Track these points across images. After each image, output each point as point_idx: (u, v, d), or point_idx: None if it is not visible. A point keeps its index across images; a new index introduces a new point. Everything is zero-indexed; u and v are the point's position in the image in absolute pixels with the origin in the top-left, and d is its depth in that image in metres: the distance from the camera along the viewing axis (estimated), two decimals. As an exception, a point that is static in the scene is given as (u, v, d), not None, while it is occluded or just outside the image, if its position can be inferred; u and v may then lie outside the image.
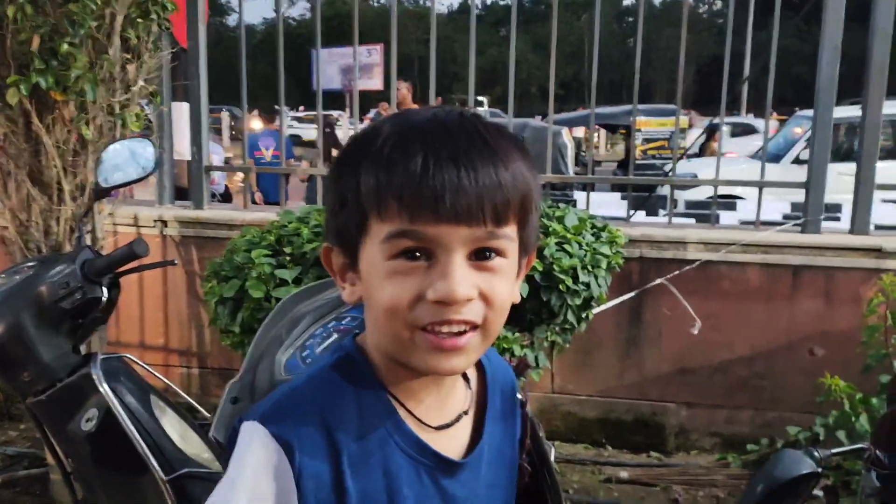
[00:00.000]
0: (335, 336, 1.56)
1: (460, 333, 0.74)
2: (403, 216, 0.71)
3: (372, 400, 0.79)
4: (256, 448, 0.75)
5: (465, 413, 0.85)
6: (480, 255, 0.74)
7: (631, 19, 47.62)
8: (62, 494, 2.81)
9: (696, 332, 3.15)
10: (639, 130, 11.67)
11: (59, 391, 1.74)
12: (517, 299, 0.81)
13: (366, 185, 0.73)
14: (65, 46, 2.29)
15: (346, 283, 0.81)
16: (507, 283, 0.77)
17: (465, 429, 0.85)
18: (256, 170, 5.18)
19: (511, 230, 0.75)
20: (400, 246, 0.73)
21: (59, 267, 1.72)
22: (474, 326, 0.75)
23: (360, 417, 0.78)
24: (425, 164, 0.71)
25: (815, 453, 1.32)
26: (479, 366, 0.90)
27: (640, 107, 13.48)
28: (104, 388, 1.70)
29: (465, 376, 0.88)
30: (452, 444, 0.84)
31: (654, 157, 12.41)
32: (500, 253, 0.75)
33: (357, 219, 0.75)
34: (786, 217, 4.81)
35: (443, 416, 0.83)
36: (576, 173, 11.15)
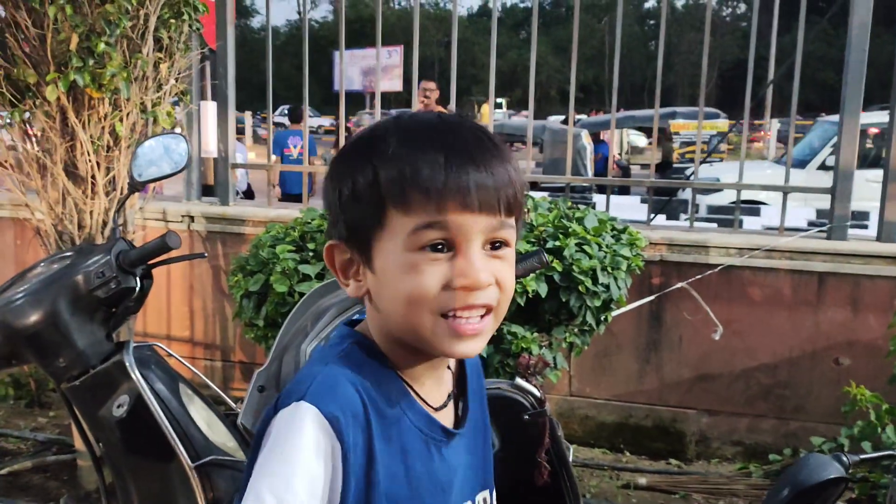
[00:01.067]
0: (354, 318, 1.59)
1: (480, 318, 0.81)
2: (431, 208, 0.77)
3: (390, 380, 0.85)
4: (310, 429, 0.78)
5: (452, 392, 0.93)
6: (494, 245, 0.82)
7: (653, 22, 47.39)
8: (89, 480, 2.87)
9: (717, 337, 3.14)
10: (677, 133, 11.50)
11: (92, 377, 1.78)
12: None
13: (387, 180, 0.78)
14: (101, 46, 2.35)
15: (350, 279, 0.85)
16: (513, 269, 0.85)
17: (451, 407, 0.93)
18: (280, 168, 5.25)
19: (513, 220, 0.83)
20: (426, 237, 0.78)
21: (95, 257, 1.76)
22: (489, 310, 0.82)
23: (382, 395, 0.83)
24: (448, 161, 0.77)
25: (844, 458, 1.30)
26: None
27: (680, 109, 13.33)
28: (136, 375, 1.74)
29: None
30: (447, 421, 0.91)
31: (692, 160, 12.32)
32: (506, 242, 0.83)
33: (376, 214, 0.79)
34: (811, 223, 4.79)
35: (439, 396, 0.91)
36: (614, 176, 11.11)
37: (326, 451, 0.78)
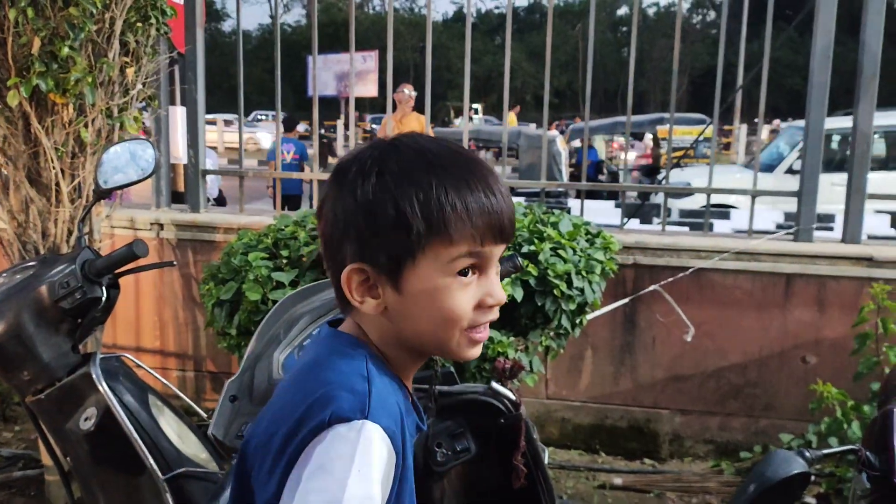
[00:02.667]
0: (320, 328, 1.57)
1: (486, 328, 0.92)
2: (475, 240, 0.86)
3: (396, 384, 0.91)
4: (380, 445, 0.80)
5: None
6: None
7: (625, 29, 47.86)
8: (57, 496, 2.81)
9: (689, 339, 3.17)
10: (664, 139, 11.61)
11: (58, 390, 1.74)
12: None
13: (436, 213, 0.83)
14: (65, 50, 2.30)
15: (367, 297, 0.88)
16: None
17: None
18: (251, 175, 5.20)
19: None
20: (463, 264, 0.87)
21: (59, 267, 1.73)
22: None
23: (400, 405, 0.89)
24: (486, 196, 0.86)
25: (807, 454, 1.33)
26: None
27: (667, 115, 13.43)
28: (103, 387, 1.71)
29: None
30: None
31: (677, 164, 12.36)
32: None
33: (418, 242, 0.84)
34: (779, 226, 4.86)
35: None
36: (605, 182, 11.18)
37: (391, 464, 0.82)
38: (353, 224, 0.86)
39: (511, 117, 15.07)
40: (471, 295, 0.88)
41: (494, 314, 0.91)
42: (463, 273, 0.87)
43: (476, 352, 0.91)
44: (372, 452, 0.79)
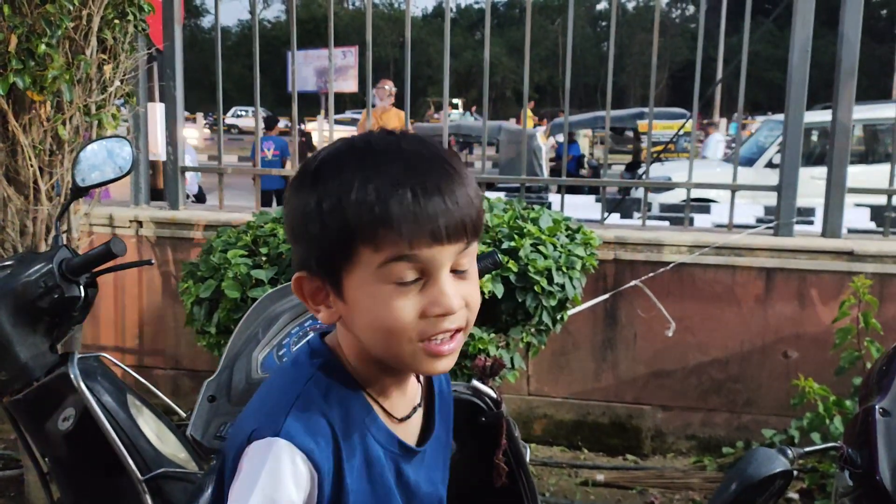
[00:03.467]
0: (312, 335, 1.56)
1: (451, 337, 0.85)
2: (402, 243, 0.79)
3: (353, 399, 0.88)
4: (287, 463, 0.81)
5: (419, 406, 0.96)
6: (458, 269, 0.84)
7: (604, 24, 48.02)
8: (38, 496, 2.78)
9: (670, 334, 3.19)
10: (644, 133, 11.63)
11: (36, 390, 1.72)
12: None
13: (355, 217, 0.79)
14: (42, 47, 2.27)
15: (321, 305, 0.87)
16: (477, 285, 0.88)
17: (417, 420, 0.96)
18: (230, 171, 5.15)
19: (476, 243, 0.86)
20: (396, 271, 0.81)
21: (36, 266, 1.71)
22: (460, 329, 0.86)
23: (347, 416, 0.86)
24: (416, 196, 0.79)
25: (789, 452, 1.33)
26: None
27: (646, 110, 13.37)
28: (81, 387, 1.69)
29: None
30: (409, 433, 0.94)
31: (659, 160, 12.36)
32: (469, 263, 0.86)
33: (345, 249, 0.81)
34: (759, 220, 4.89)
35: (403, 408, 0.94)
36: (583, 177, 11.18)
37: (304, 478, 0.81)
38: (294, 230, 0.86)
39: (537, 128, 14.90)
40: (412, 303, 0.81)
41: (452, 322, 0.83)
42: (403, 280, 0.81)
43: (441, 365, 0.85)
44: (279, 469, 0.80)
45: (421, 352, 0.83)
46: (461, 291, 0.84)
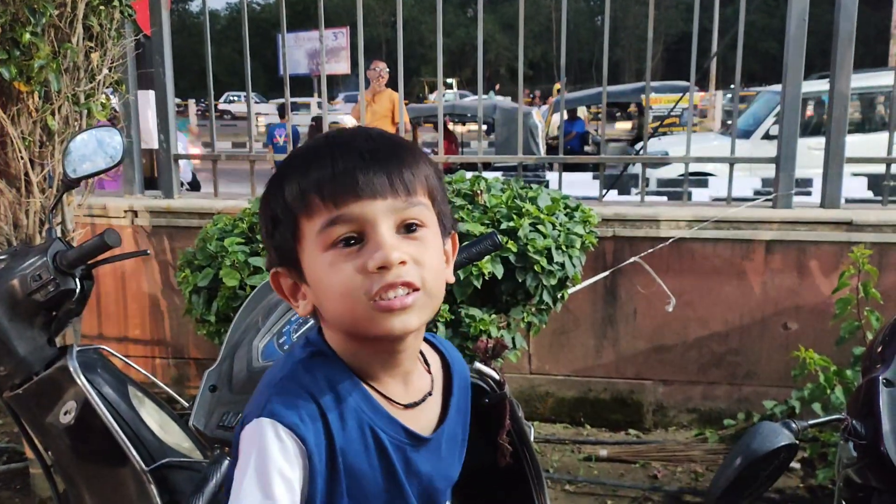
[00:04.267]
0: (311, 322, 1.55)
1: (405, 295, 0.84)
2: (329, 205, 0.83)
3: (347, 385, 0.89)
4: (272, 441, 0.83)
5: (430, 394, 0.96)
6: (407, 229, 0.86)
7: (599, -2, 47.59)
8: (43, 489, 2.78)
9: (670, 309, 3.19)
10: (650, 107, 11.51)
11: (35, 384, 1.72)
12: (451, 279, 0.93)
13: (290, 195, 0.85)
14: (27, 36, 2.24)
15: (299, 300, 0.91)
16: (434, 253, 0.88)
17: (430, 409, 0.96)
18: (224, 158, 5.12)
19: (424, 199, 0.87)
20: (333, 234, 0.84)
21: (30, 259, 1.69)
22: (416, 289, 0.85)
23: (338, 398, 0.87)
24: (335, 160, 0.84)
25: (793, 425, 1.33)
26: (443, 358, 1.02)
27: (652, 84, 13.18)
28: (81, 380, 1.68)
29: (425, 362, 0.99)
30: (419, 422, 0.94)
31: (664, 133, 12.23)
32: (421, 224, 0.87)
33: (290, 228, 0.86)
34: (757, 193, 4.88)
35: (408, 396, 0.93)
36: (589, 154, 11.09)
37: (291, 451, 0.83)
38: (263, 232, 0.92)
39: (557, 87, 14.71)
40: (352, 264, 0.84)
41: (397, 277, 0.83)
42: (347, 244, 0.84)
43: (396, 323, 0.85)
44: (265, 445, 0.82)
45: (373, 311, 0.83)
46: (407, 249, 0.84)
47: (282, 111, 9.91)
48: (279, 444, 0.82)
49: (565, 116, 12.98)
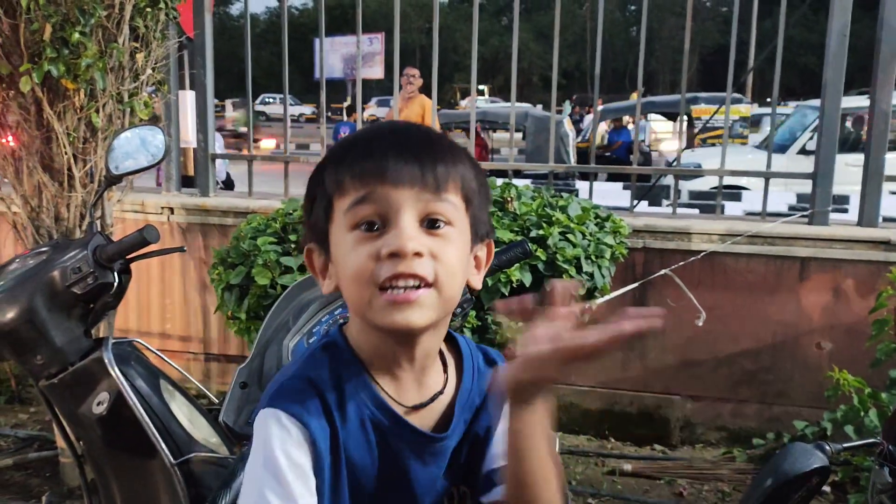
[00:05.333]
0: (341, 322, 1.57)
1: (415, 288, 0.83)
2: (358, 186, 0.84)
3: (353, 378, 0.89)
4: (277, 428, 0.84)
5: (441, 393, 0.94)
6: (430, 224, 0.85)
7: (634, 8, 47.37)
8: (72, 477, 2.84)
9: (700, 323, 3.15)
10: (698, 119, 11.30)
11: (70, 375, 1.75)
12: (478, 286, 0.93)
13: (329, 176, 0.88)
14: (76, 35, 2.30)
15: (326, 278, 0.91)
16: (457, 250, 0.86)
17: (439, 409, 0.94)
18: (259, 158, 5.19)
19: (455, 199, 0.86)
20: (359, 214, 0.84)
21: (71, 252, 1.73)
22: (428, 284, 0.83)
23: (343, 395, 0.88)
24: (371, 146, 0.86)
25: (827, 447, 1.30)
26: (459, 355, 0.99)
27: (702, 95, 12.96)
28: (115, 372, 1.72)
29: (443, 361, 0.96)
30: (426, 421, 0.93)
31: (712, 145, 12.00)
32: (448, 222, 0.85)
33: (324, 206, 0.88)
34: (792, 208, 4.81)
35: (419, 395, 0.92)
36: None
37: (295, 436, 0.84)
38: (303, 210, 0.94)
39: (634, 96, 14.56)
40: (372, 247, 0.83)
41: (408, 267, 0.82)
42: (370, 228, 0.84)
43: (399, 317, 0.83)
44: (269, 432, 0.84)
45: (381, 300, 0.83)
46: (426, 242, 0.83)
47: (348, 110, 10.31)
48: (281, 429, 0.84)
49: (608, 127, 12.85)
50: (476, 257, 0.92)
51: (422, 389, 0.92)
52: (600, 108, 13.71)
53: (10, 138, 2.51)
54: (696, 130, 11.53)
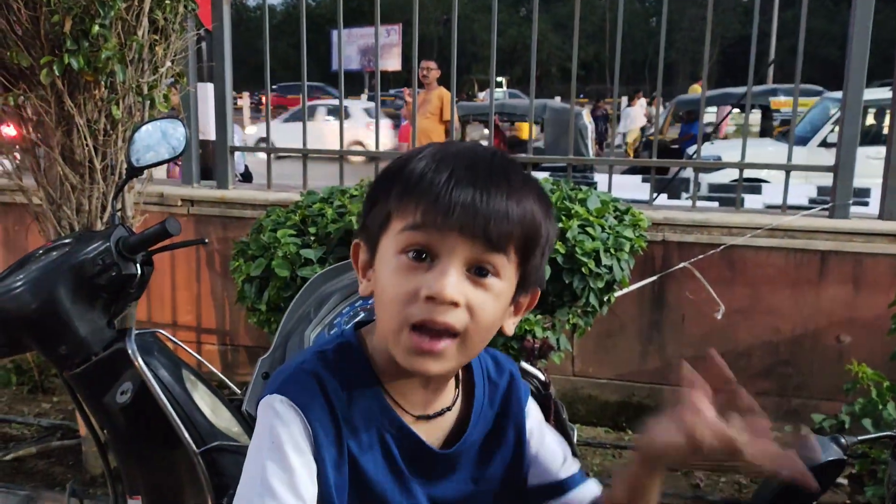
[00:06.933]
0: (362, 315, 1.58)
1: (439, 337, 0.81)
2: (418, 216, 0.81)
3: (362, 384, 0.89)
4: (281, 414, 0.85)
5: (449, 409, 0.93)
6: (478, 272, 0.82)
7: (654, -1, 46.89)
8: (94, 465, 2.88)
9: (719, 317, 3.13)
10: (777, 111, 11.02)
11: (94, 365, 1.78)
12: (510, 332, 0.90)
13: (396, 189, 0.84)
14: (96, 28, 2.32)
15: (365, 278, 0.91)
16: (497, 305, 0.84)
17: (447, 424, 0.94)
18: (278, 151, 5.21)
19: (511, 254, 0.83)
20: (410, 240, 0.82)
21: (94, 244, 1.75)
22: (454, 334, 0.82)
23: (351, 398, 0.88)
24: (447, 181, 0.81)
25: (842, 440, 1.31)
26: (469, 366, 0.97)
27: (781, 86, 12.46)
28: (139, 362, 1.74)
29: (455, 375, 0.95)
30: (434, 434, 0.92)
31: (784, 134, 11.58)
32: (496, 273, 0.83)
33: (383, 217, 0.86)
34: (812, 201, 4.77)
35: (430, 407, 0.92)
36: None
37: (294, 419, 0.84)
38: (365, 198, 0.92)
39: (696, 87, 14.10)
40: (411, 280, 0.81)
41: (442, 314, 0.80)
42: (418, 258, 0.82)
43: (419, 364, 0.82)
44: (269, 416, 0.85)
45: (405, 340, 0.82)
46: (467, 292, 0.81)
47: None
48: (288, 416, 0.84)
49: (616, 114, 12.64)
50: (517, 303, 0.90)
51: (432, 402, 0.92)
52: (675, 99, 13.32)
53: (10, 127, 2.54)
54: (775, 123, 11.18)
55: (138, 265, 1.76)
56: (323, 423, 0.85)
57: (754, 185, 6.42)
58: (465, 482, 0.94)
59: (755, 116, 12.36)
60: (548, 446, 1.00)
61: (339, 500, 0.86)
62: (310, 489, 0.83)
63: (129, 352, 1.75)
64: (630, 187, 5.35)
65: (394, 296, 0.82)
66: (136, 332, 1.81)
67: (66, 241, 1.84)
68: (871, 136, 7.38)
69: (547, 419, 1.64)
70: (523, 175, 0.86)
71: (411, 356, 0.82)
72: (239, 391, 2.02)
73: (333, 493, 0.86)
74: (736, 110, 12.31)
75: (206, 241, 1.91)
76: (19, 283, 1.73)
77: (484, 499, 0.95)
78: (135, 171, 1.88)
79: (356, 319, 1.56)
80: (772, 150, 8.25)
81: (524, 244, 0.84)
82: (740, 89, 11.56)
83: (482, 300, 0.82)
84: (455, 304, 0.80)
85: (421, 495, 0.91)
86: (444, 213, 0.80)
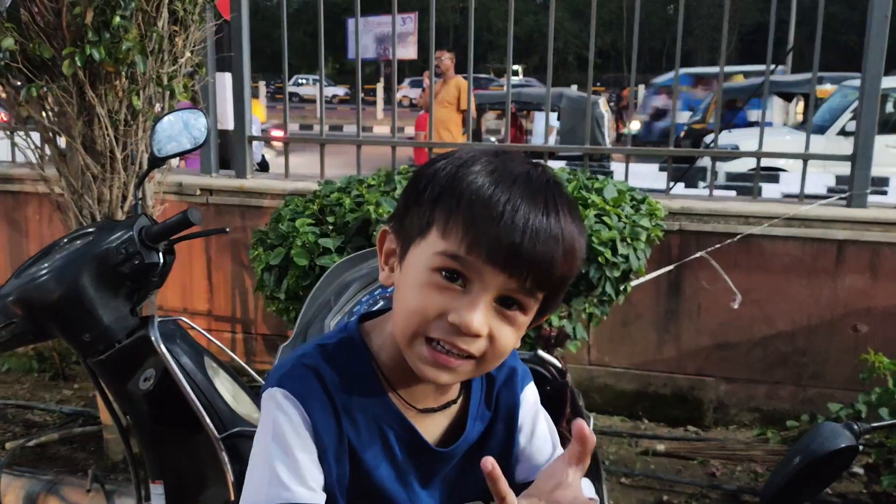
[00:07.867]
0: (381, 303, 1.60)
1: (457, 357, 0.83)
2: (463, 245, 0.80)
3: (363, 379, 0.90)
4: (271, 404, 0.87)
5: (454, 401, 0.95)
6: (505, 302, 0.83)
7: (671, -14, 46.33)
8: (115, 452, 2.93)
9: (736, 306, 3.13)
10: (821, 98, 10.78)
11: (118, 352, 1.81)
12: (517, 345, 0.89)
13: (447, 202, 0.82)
14: (117, 19, 2.34)
15: (387, 267, 0.91)
16: (517, 335, 0.86)
17: (448, 419, 0.95)
18: (296, 140, 5.23)
19: (539, 295, 0.84)
20: (447, 264, 0.82)
21: (117, 233, 1.78)
22: (472, 357, 0.84)
23: (352, 395, 0.89)
24: (501, 217, 0.79)
25: (855, 427, 1.31)
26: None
27: (826, 74, 12.08)
28: (161, 349, 1.77)
29: None
30: (435, 429, 0.94)
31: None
32: (521, 309, 0.84)
33: (423, 224, 0.84)
34: (830, 190, 4.73)
35: (427, 400, 0.93)
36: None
37: (294, 412, 0.86)
38: (408, 186, 0.90)
39: (738, 77, 13.72)
40: (440, 299, 0.82)
41: (464, 342, 0.82)
42: (444, 274, 0.82)
43: (432, 373, 0.84)
44: (270, 409, 0.87)
45: (421, 350, 0.83)
46: (492, 323, 0.82)
47: None
48: (287, 407, 0.86)
49: (631, 101, 12.49)
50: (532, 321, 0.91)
51: (438, 397, 0.94)
52: (725, 87, 12.84)
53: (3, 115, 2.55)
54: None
55: (161, 254, 1.79)
56: (322, 416, 0.86)
57: (772, 174, 6.38)
58: (460, 478, 0.96)
59: (799, 105, 12.13)
60: (536, 441, 1.01)
61: (339, 491, 0.88)
62: (317, 477, 0.85)
63: (153, 339, 1.78)
64: (647, 176, 5.33)
65: (418, 308, 0.82)
66: (159, 319, 1.84)
67: (90, 230, 1.87)
68: (891, 125, 7.29)
69: (563, 407, 1.65)
70: (572, 206, 0.85)
71: (425, 366, 0.84)
72: (259, 378, 2.04)
73: (334, 484, 0.87)
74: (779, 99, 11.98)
75: (227, 230, 1.93)
76: (44, 272, 1.76)
77: (476, 494, 0.97)
78: (157, 162, 1.91)
79: (375, 307, 1.58)
80: (789, 139, 8.18)
81: (556, 286, 0.85)
82: (786, 77, 11.28)
83: (505, 333, 0.84)
84: (478, 335, 0.82)
85: (419, 489, 0.93)
86: (489, 249, 0.79)
